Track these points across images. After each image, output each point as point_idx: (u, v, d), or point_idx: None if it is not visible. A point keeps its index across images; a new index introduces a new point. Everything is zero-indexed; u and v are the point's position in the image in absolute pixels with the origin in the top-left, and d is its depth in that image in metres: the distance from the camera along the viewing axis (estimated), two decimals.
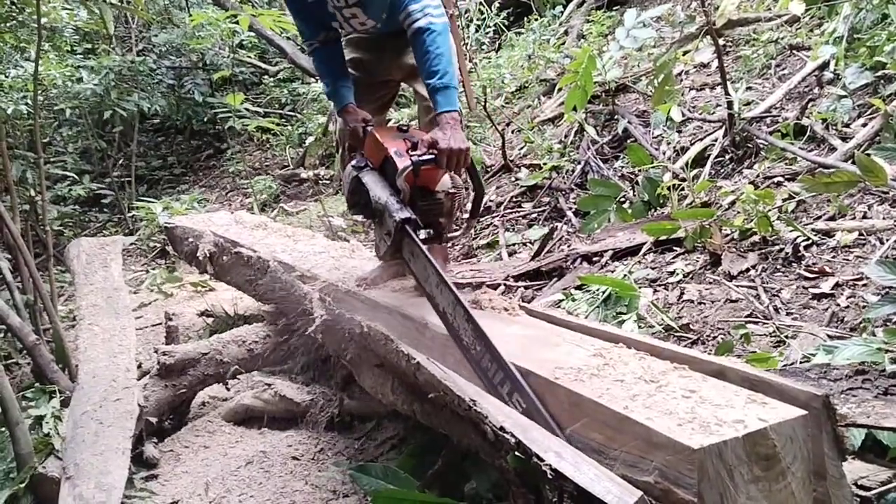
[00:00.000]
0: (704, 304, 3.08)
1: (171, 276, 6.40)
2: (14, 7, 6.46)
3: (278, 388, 3.45)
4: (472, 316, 2.20)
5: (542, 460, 1.58)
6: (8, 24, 6.39)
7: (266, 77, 10.18)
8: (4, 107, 6.95)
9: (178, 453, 3.26)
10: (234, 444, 3.29)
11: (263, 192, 8.22)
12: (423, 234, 2.67)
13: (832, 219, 3.30)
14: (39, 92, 4.99)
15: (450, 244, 5.11)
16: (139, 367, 3.65)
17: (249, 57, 10.17)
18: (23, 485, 2.93)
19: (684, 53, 5.05)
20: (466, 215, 3.04)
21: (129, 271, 7.05)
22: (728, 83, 4.23)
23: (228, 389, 3.78)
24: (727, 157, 4.24)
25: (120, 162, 10.21)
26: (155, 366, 3.50)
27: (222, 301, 4.78)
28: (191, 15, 9.11)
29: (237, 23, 7.79)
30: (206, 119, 10.37)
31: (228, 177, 9.55)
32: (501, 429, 1.72)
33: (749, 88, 4.64)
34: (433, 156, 2.56)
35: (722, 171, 4.19)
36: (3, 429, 3.16)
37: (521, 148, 6.02)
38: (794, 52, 4.85)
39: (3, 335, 5.41)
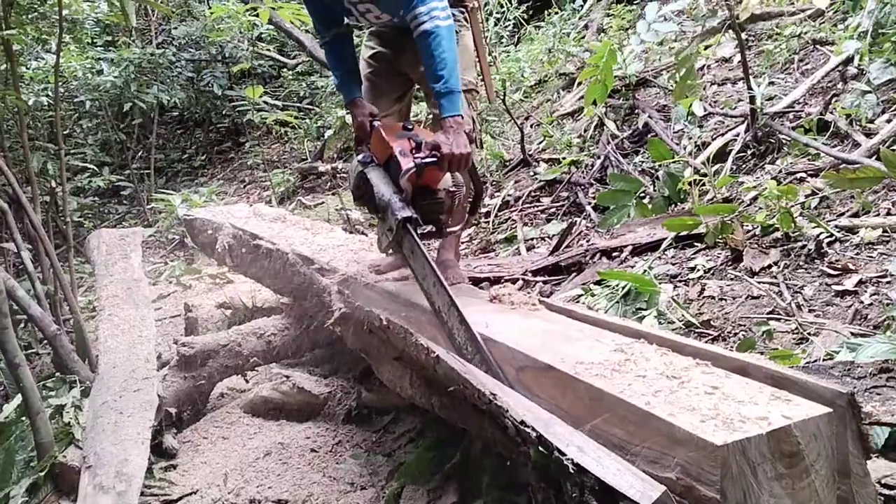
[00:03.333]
0: (726, 300, 3.05)
1: (190, 268, 6.43)
2: None
3: (297, 380, 3.46)
4: (465, 318, 2.29)
5: (563, 454, 1.57)
6: (30, 16, 6.42)
7: (285, 70, 10.19)
8: (26, 98, 6.99)
9: (196, 444, 3.28)
10: (252, 435, 3.30)
11: (281, 185, 8.25)
12: (427, 228, 2.75)
13: (856, 215, 3.26)
14: (60, 84, 5.02)
15: (464, 241, 5.11)
16: (159, 357, 3.66)
17: (268, 50, 10.19)
18: (43, 473, 2.97)
19: (706, 48, 5.01)
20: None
21: (148, 263, 7.09)
22: (750, 78, 4.20)
23: (247, 381, 3.80)
24: (749, 152, 4.20)
25: (139, 154, 10.28)
26: (174, 357, 3.52)
27: (241, 293, 4.79)
28: (210, 8, 9.15)
29: (257, 16, 7.81)
30: (224, 112, 10.42)
31: (247, 169, 9.59)
32: (522, 423, 1.71)
33: (772, 83, 4.60)
34: (436, 158, 2.61)
35: (744, 166, 4.15)
36: (25, 418, 3.19)
37: (540, 142, 6.00)
38: (817, 46, 4.80)
39: (24, 325, 5.45)
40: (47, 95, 7.61)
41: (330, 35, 3.10)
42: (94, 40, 9.76)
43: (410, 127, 2.80)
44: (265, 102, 7.60)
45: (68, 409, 3.34)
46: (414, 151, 2.65)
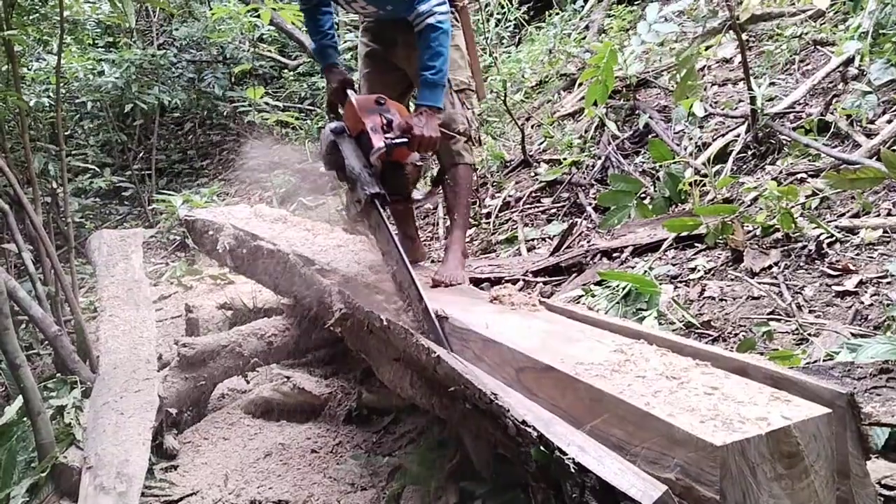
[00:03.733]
0: (726, 300, 3.06)
1: (191, 269, 6.44)
2: (37, 0, 6.50)
3: (297, 380, 3.47)
4: (422, 295, 2.50)
5: (564, 454, 1.57)
6: (31, 17, 6.43)
7: (286, 71, 10.19)
8: (27, 99, 7.00)
9: (197, 445, 3.28)
10: (253, 436, 3.31)
11: (282, 186, 8.25)
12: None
13: (856, 216, 3.26)
14: (61, 85, 5.02)
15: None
16: (159, 358, 3.66)
17: (269, 51, 10.19)
18: (44, 474, 2.97)
19: (707, 48, 5.01)
20: None
21: (149, 264, 7.11)
22: (751, 78, 4.20)
23: (248, 382, 3.80)
24: (750, 152, 4.20)
25: (140, 155, 10.28)
26: (175, 357, 3.52)
27: (242, 294, 4.80)
28: (211, 9, 9.15)
29: (258, 17, 7.82)
30: (225, 113, 10.41)
31: (248, 170, 9.58)
32: (524, 422, 1.72)
33: (772, 84, 4.60)
34: (406, 140, 2.81)
35: (744, 167, 4.16)
36: (26, 419, 3.19)
37: (541, 143, 6.00)
38: (818, 47, 4.80)
39: (25, 326, 5.45)
40: (49, 96, 7.63)
41: (311, 3, 3.25)
42: (96, 41, 9.79)
43: (383, 101, 2.95)
44: (266, 103, 7.60)
45: (69, 409, 3.34)
46: (385, 129, 2.83)
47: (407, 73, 3.35)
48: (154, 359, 3.52)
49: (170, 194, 7.89)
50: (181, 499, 2.88)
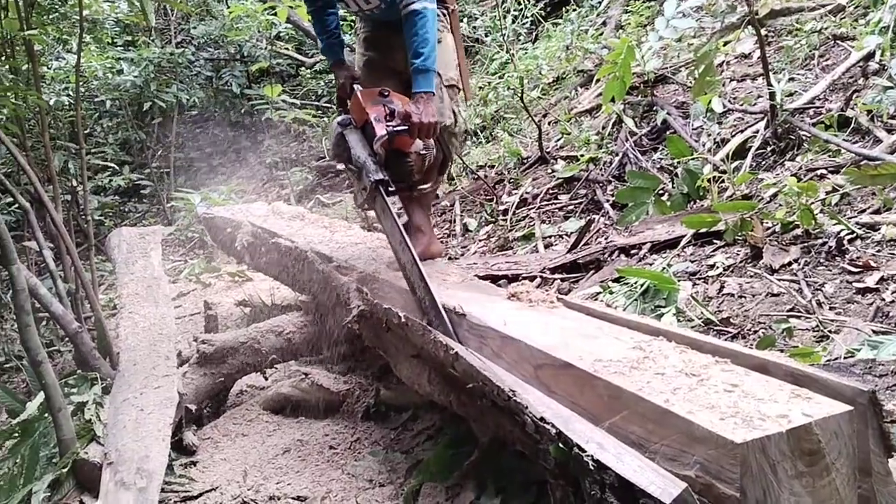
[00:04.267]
0: (745, 297, 3.04)
1: (210, 266, 6.48)
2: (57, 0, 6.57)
3: (315, 377, 3.48)
4: (423, 274, 2.59)
5: (583, 451, 1.57)
6: (50, 17, 6.50)
7: (303, 69, 10.23)
8: (47, 98, 7.07)
9: (216, 441, 3.30)
10: (271, 432, 3.32)
11: (300, 184, 8.28)
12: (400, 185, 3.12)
13: (877, 212, 3.23)
14: (81, 83, 5.06)
15: (482, 238, 5.12)
16: (179, 355, 3.69)
17: (286, 49, 10.23)
18: (65, 469, 2.99)
19: (725, 44, 4.98)
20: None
21: (167, 261, 7.15)
22: (770, 74, 4.16)
23: (266, 378, 3.82)
24: (769, 148, 4.17)
25: (159, 153, 10.35)
26: (194, 354, 3.54)
27: (259, 291, 4.83)
28: (229, 7, 9.19)
29: (275, 14, 7.84)
30: (243, 110, 10.46)
31: (265, 168, 9.63)
32: (542, 419, 1.72)
33: (792, 79, 4.56)
34: (406, 127, 2.95)
35: (763, 163, 4.13)
36: (47, 415, 3.22)
37: (558, 139, 5.99)
38: (838, 42, 4.76)
39: (46, 323, 5.51)
40: (68, 95, 7.70)
41: (316, 5, 3.42)
42: (114, 40, 9.86)
43: (386, 94, 3.12)
44: (283, 101, 7.64)
45: (90, 406, 3.37)
46: (388, 118, 3.00)
47: (405, 76, 3.40)
48: (173, 355, 3.55)
49: (188, 192, 7.94)
50: (200, 494, 2.89)
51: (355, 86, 3.30)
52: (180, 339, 4.25)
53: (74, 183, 7.12)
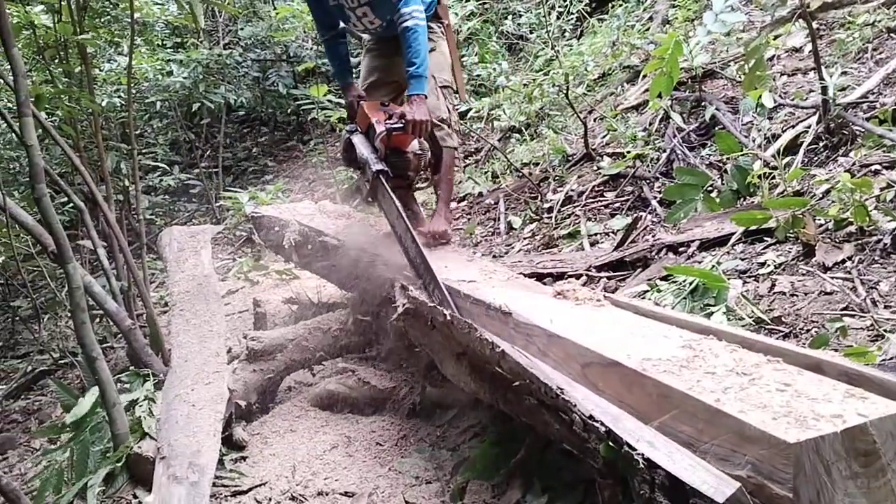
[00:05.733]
0: (797, 296, 2.98)
1: (258, 265, 6.56)
2: (108, 3, 6.70)
3: (362, 374, 3.50)
4: (422, 251, 3.05)
5: (634, 449, 1.56)
6: (102, 20, 6.63)
7: None
8: (99, 100, 7.23)
9: (265, 436, 3.34)
10: (319, 428, 3.35)
11: (345, 183, 8.33)
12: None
13: None
14: (132, 85, 5.16)
15: (527, 237, 5.09)
16: (229, 351, 3.75)
17: None
18: (119, 463, 3.06)
19: (776, 38, 4.89)
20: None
21: (216, 259, 7.26)
22: (822, 68, 4.07)
23: (314, 375, 3.86)
24: (821, 144, 4.09)
25: (207, 153, 10.51)
26: (244, 351, 3.59)
27: (307, 289, 4.87)
28: (275, 8, 9.29)
29: None
30: (289, 111, 10.56)
31: (311, 167, 9.72)
32: (591, 417, 1.71)
33: (844, 73, 4.46)
34: (402, 124, 3.45)
35: (815, 159, 4.05)
36: (100, 409, 3.30)
37: (604, 136, 5.94)
38: (892, 35, 4.64)
39: (100, 320, 5.64)
40: (120, 97, 7.85)
41: (328, 35, 4.04)
42: (164, 42, 10.03)
43: (386, 104, 3.69)
44: (329, 101, 7.69)
45: (142, 401, 3.44)
46: (387, 121, 3.50)
47: (401, 84, 3.97)
48: (223, 352, 3.60)
49: (236, 191, 8.05)
50: (250, 489, 2.93)
51: (361, 102, 3.79)
52: (230, 335, 4.31)
53: (126, 183, 7.27)
